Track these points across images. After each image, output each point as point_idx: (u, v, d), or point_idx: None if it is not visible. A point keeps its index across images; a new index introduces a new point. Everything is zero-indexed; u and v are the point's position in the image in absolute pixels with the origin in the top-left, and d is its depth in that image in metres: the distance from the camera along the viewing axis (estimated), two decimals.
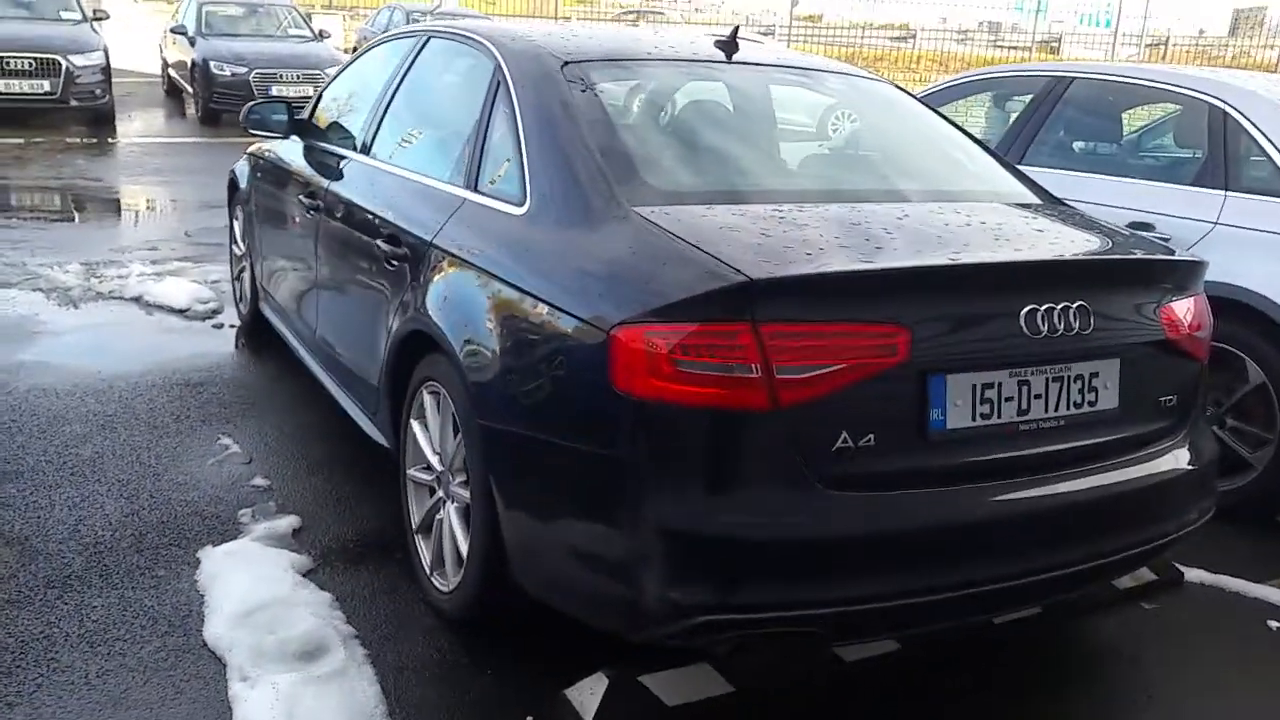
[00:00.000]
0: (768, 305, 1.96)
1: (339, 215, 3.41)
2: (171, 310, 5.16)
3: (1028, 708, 2.46)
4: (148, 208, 8.18)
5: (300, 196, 3.76)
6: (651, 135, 2.87)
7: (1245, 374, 3.40)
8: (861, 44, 26.16)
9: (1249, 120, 3.61)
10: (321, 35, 13.97)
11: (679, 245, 2.12)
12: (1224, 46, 25.04)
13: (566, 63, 2.75)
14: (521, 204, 2.50)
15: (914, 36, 27.02)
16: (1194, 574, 3.06)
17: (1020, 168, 3.95)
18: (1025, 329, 2.10)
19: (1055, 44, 26.36)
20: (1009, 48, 27.15)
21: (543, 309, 2.23)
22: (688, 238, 2.13)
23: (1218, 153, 3.67)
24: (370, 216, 3.15)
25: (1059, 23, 27.76)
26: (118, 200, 8.34)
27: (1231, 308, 3.34)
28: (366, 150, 3.50)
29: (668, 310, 1.98)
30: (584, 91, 2.65)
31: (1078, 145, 4.41)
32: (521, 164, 2.56)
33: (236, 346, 4.73)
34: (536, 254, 2.38)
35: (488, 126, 2.80)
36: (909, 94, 3.38)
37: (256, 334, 4.67)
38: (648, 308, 2.00)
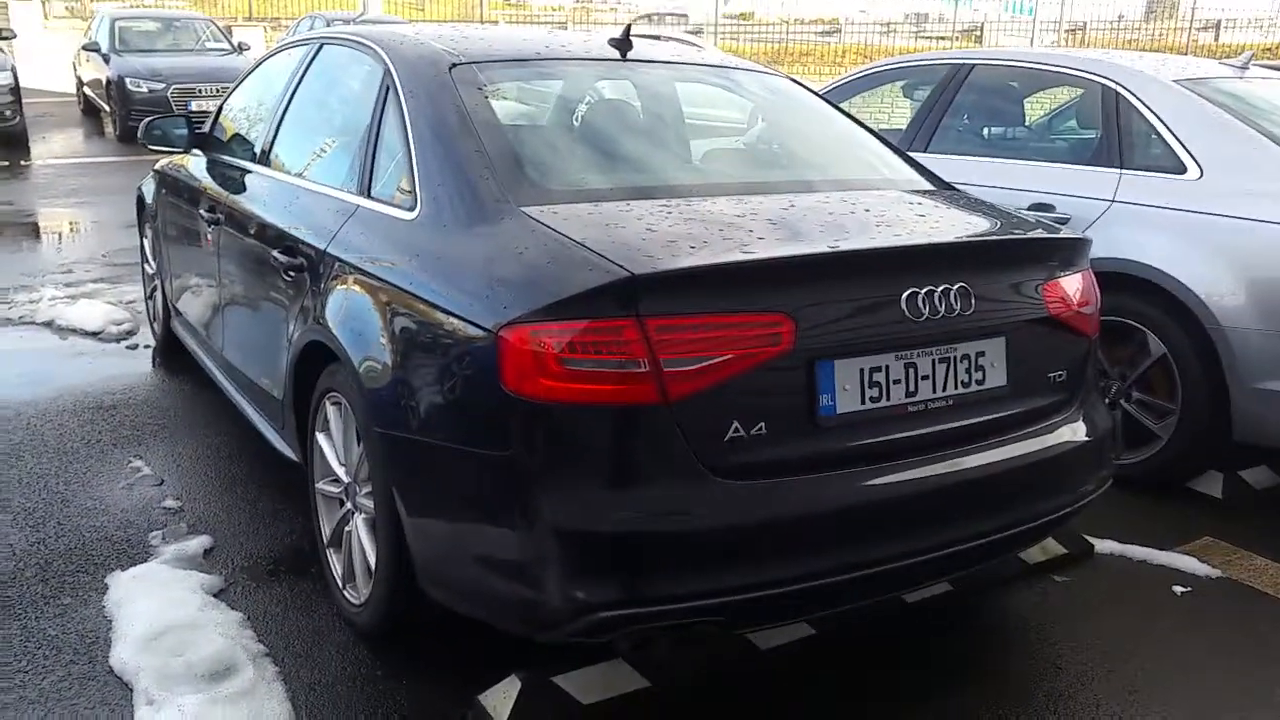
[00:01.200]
0: (652, 300, 1.96)
1: (238, 228, 3.36)
2: (85, 333, 5.06)
3: (942, 682, 2.49)
4: (63, 230, 7.98)
5: (201, 210, 3.70)
6: (541, 135, 2.86)
7: (1147, 347, 3.48)
8: (788, 39, 26.40)
9: (1139, 100, 3.70)
10: (241, 48, 13.74)
11: (565, 243, 2.11)
12: (1136, 30, 25.71)
13: (455, 64, 2.73)
14: (412, 209, 2.48)
15: (839, 31, 27.33)
16: (1104, 545, 3.13)
17: (926, 154, 4.04)
18: (908, 312, 2.13)
19: (978, 33, 26.83)
20: (933, 38, 27.56)
21: (433, 313, 2.22)
22: (574, 236, 2.13)
23: (1112, 133, 3.76)
24: (267, 228, 3.11)
25: (976, 11, 28.21)
26: (31, 224, 8.12)
27: (1130, 283, 3.43)
28: (264, 160, 3.45)
29: (553, 309, 1.97)
30: (473, 93, 2.63)
31: (981, 130, 4.49)
32: (411, 168, 2.54)
33: (152, 367, 4.63)
34: (426, 258, 2.36)
35: (379, 131, 2.78)
36: (806, 88, 3.41)
37: (172, 354, 4.57)
38: (534, 307, 1.99)
